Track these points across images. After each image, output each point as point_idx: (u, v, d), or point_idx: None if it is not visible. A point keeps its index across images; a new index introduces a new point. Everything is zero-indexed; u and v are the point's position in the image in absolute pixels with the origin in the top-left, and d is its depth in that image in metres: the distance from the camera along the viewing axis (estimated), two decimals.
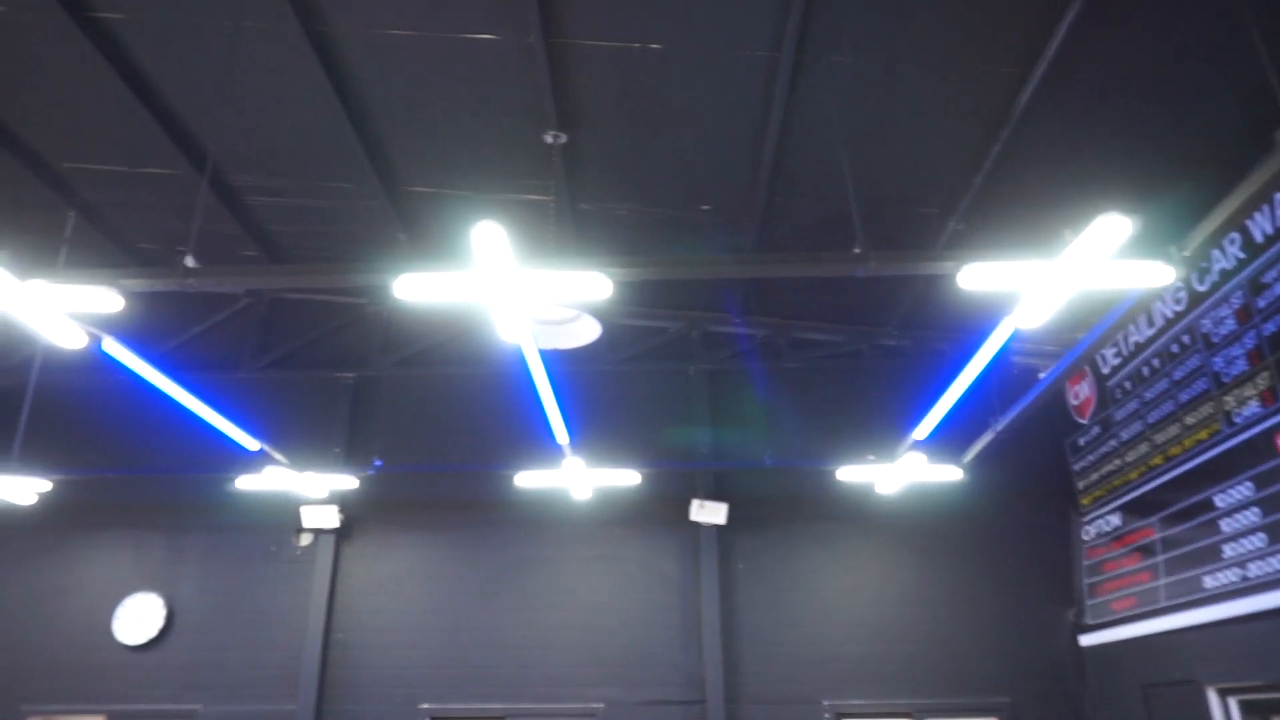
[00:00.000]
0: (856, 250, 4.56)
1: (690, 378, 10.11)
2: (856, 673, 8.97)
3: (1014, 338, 9.37)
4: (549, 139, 6.72)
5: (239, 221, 8.39)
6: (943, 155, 6.81)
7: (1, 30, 6.15)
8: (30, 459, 9.71)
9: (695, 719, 8.81)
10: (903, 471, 8.04)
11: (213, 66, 6.38)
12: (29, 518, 9.98)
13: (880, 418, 9.91)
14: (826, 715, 8.80)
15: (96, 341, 5.69)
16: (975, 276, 4.40)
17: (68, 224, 8.33)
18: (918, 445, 7.84)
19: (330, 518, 9.47)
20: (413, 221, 8.24)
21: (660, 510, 9.60)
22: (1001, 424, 7.46)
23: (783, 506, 9.60)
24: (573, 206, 7.69)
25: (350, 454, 9.96)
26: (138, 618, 9.50)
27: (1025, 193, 7.07)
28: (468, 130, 6.91)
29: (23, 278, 4.77)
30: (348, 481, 8.68)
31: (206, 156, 7.34)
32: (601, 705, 8.93)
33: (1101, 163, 6.67)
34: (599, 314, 6.53)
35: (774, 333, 10.11)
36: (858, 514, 9.55)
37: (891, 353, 10.17)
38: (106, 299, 4.83)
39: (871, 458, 8.34)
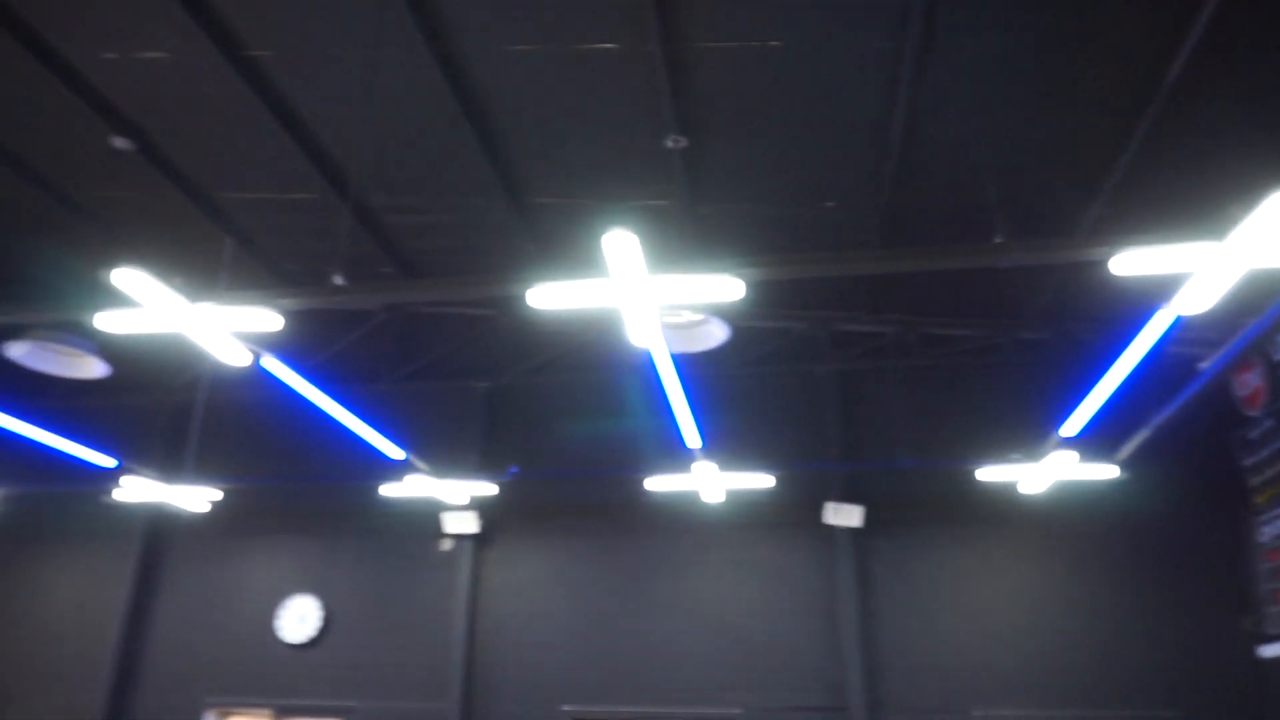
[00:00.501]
0: (998, 240, 4.36)
1: (819, 378, 9.94)
2: (1008, 683, 8.57)
3: (1173, 326, 8.76)
4: (669, 144, 6.75)
5: (376, 240, 8.80)
6: (1084, 137, 6.44)
7: (165, 74, 6.68)
8: (202, 470, 10.49)
9: None
10: (1050, 470, 7.63)
11: (352, 94, 6.73)
12: (201, 524, 10.77)
13: (1021, 414, 9.45)
14: None
15: (257, 358, 6.09)
16: (1131, 262, 4.13)
17: (226, 250, 8.95)
18: (1066, 442, 7.42)
19: (470, 523, 9.80)
20: (540, 232, 8.44)
21: (793, 513, 9.46)
22: (1160, 418, 6.98)
23: (921, 508, 9.29)
24: (693, 210, 7.69)
25: (486, 461, 10.27)
26: (298, 618, 10.09)
27: (1179, 171, 6.60)
28: (590, 140, 7.03)
29: (193, 301, 5.16)
30: (486, 488, 8.95)
31: (347, 181, 7.73)
32: (740, 710, 8.86)
33: (1266, 131, 6.15)
34: (725, 316, 6.50)
35: (904, 329, 9.81)
36: (1001, 515, 9.13)
37: (1031, 346, 9.68)
38: (268, 318, 5.15)
39: (1015, 456, 7.95)
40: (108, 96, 7.01)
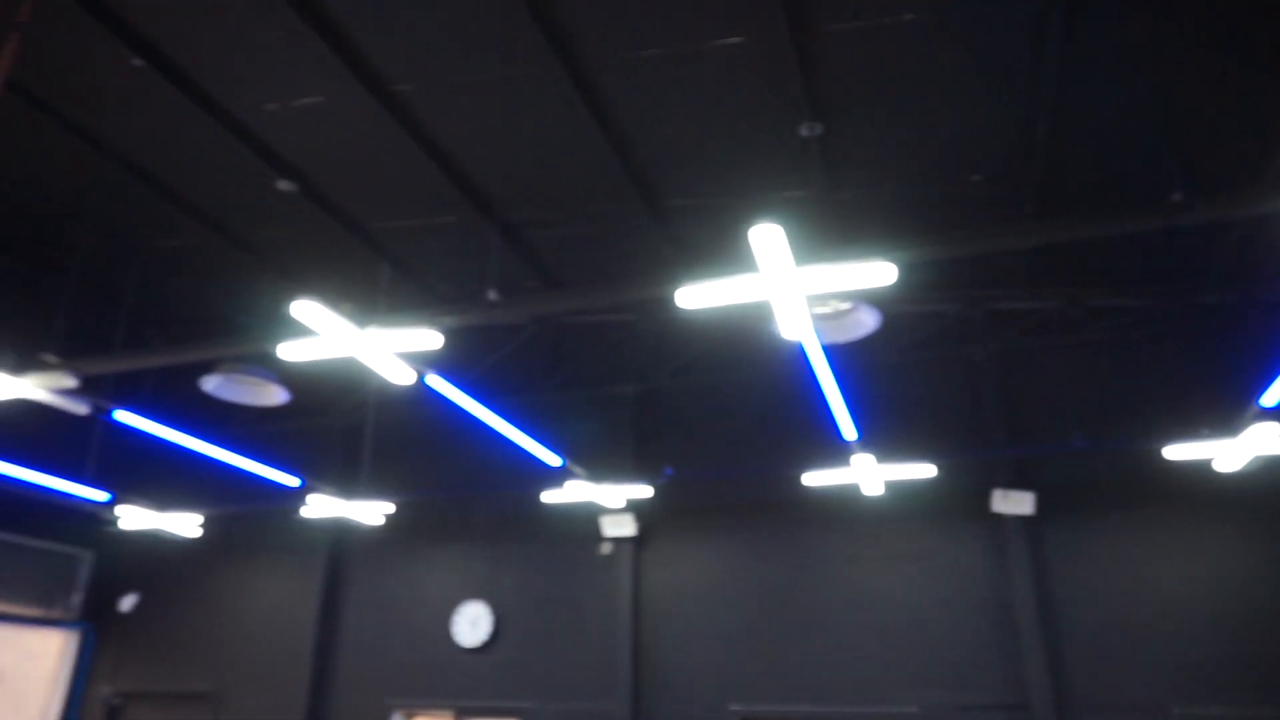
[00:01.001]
0: (1176, 197, 4.03)
1: (977, 361, 9.49)
2: (1211, 677, 7.90)
3: None
4: (804, 132, 6.63)
5: (521, 256, 9.08)
6: (1264, 83, 5.87)
7: (319, 118, 7.13)
8: (376, 485, 11.14)
9: None
10: (1249, 445, 6.98)
11: (489, 116, 6.98)
12: (378, 536, 11.43)
13: (1208, 386, 8.70)
14: None
15: (422, 376, 6.41)
16: None
17: (383, 276, 9.46)
18: (1266, 413, 6.77)
19: (627, 526, 9.94)
20: (678, 234, 8.48)
21: (959, 503, 9.08)
22: None
23: (1100, 492, 8.71)
24: (834, 197, 7.52)
25: (640, 464, 10.40)
26: (470, 623, 10.53)
27: None
28: (723, 136, 7.00)
29: (361, 327, 5.48)
30: (641, 490, 9.06)
31: (491, 201, 8.02)
32: (915, 709, 8.58)
33: None
34: (875, 303, 6.32)
35: (1067, 304, 9.23)
36: (1194, 496, 8.44)
37: (1213, 311, 8.90)
38: (429, 337, 5.41)
39: (1207, 432, 7.33)
40: (271, 144, 7.56)
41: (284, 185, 8.02)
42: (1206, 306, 8.91)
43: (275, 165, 7.77)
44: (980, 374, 9.43)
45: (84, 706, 12.14)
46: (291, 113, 7.13)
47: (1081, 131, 6.61)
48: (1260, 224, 7.52)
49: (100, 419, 11.59)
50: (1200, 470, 8.43)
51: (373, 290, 9.63)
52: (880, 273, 4.51)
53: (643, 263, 9.04)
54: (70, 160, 8.05)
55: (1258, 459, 8.20)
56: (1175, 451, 7.33)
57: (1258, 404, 6.68)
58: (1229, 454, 7.22)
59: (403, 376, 6.10)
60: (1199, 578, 8.21)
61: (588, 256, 9.18)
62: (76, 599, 12.41)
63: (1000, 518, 8.77)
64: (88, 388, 7.19)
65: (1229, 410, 8.47)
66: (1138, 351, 9.07)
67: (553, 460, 8.91)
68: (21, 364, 6.50)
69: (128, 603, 12.49)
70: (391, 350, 5.78)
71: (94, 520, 12.25)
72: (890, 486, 9.22)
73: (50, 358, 6.53)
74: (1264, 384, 6.89)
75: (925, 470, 7.95)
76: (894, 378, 9.75)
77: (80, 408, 7.28)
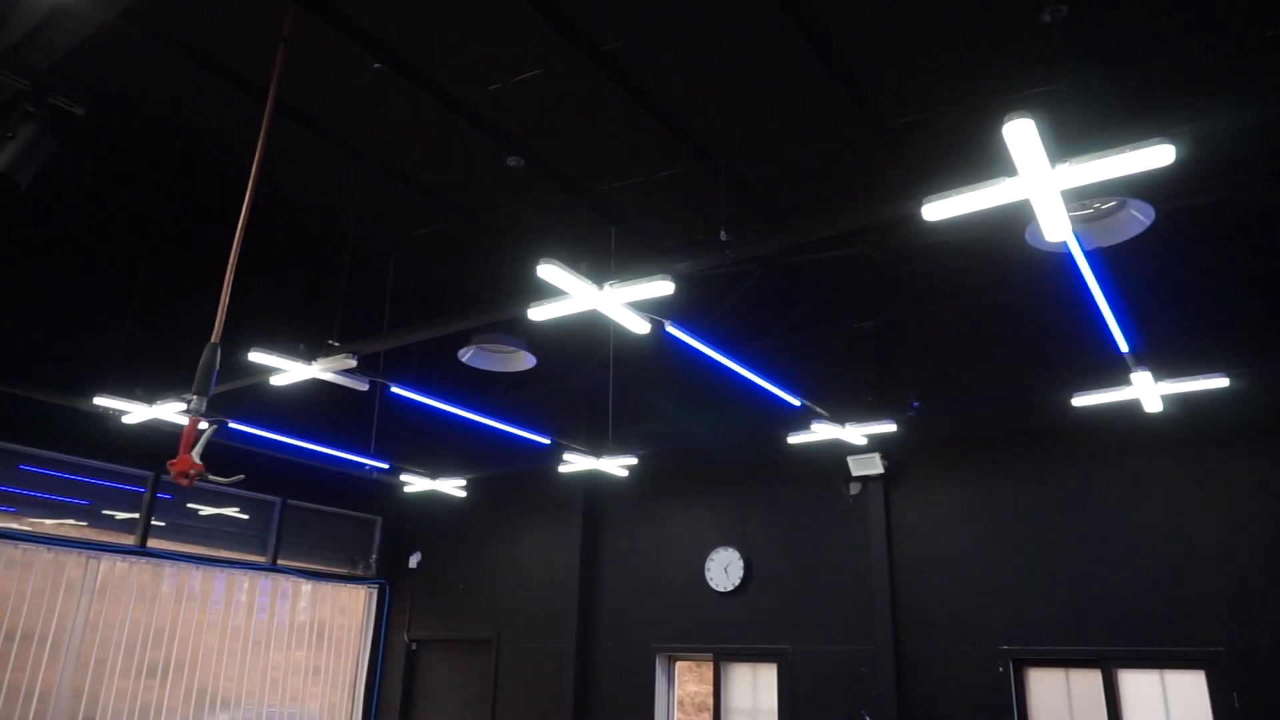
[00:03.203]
0: None
1: (1278, 250, 8.24)
2: None
3: None
4: (1046, 17, 5.99)
5: (746, 201, 8.96)
6: None
7: (539, 90, 7.37)
8: (620, 440, 11.58)
9: None
10: None
11: (699, 59, 6.89)
12: (628, 489, 11.91)
13: None
14: None
15: (661, 326, 6.54)
16: None
17: (612, 239, 9.71)
18: None
19: (875, 465, 9.67)
20: (905, 155, 8.01)
21: (1262, 416, 7.99)
22: None
23: None
24: (1088, 87, 6.75)
25: (884, 400, 10.05)
26: (723, 569, 10.73)
27: None
28: (948, 37, 6.47)
29: (599, 284, 5.65)
30: (886, 427, 8.76)
31: (713, 148, 7.94)
32: (1221, 649, 7.73)
33: None
34: (1147, 198, 5.61)
35: None
36: None
37: None
38: (664, 286, 5.48)
39: None
40: (498, 123, 7.93)
41: (513, 161, 8.41)
42: None
43: (504, 143, 8.15)
44: (1277, 267, 8.20)
45: (388, 651, 13.70)
46: (513, 89, 7.43)
47: None
48: None
49: (378, 396, 12.89)
50: None
51: (604, 254, 9.92)
52: (1157, 155, 4.00)
53: (871, 193, 8.63)
54: (335, 168, 8.90)
55: None
56: None
57: None
58: None
59: (641, 327, 6.24)
60: None
61: (814, 192, 8.90)
62: (373, 559, 13.99)
63: None
64: (365, 369, 8.00)
65: None
66: None
67: (794, 403, 8.81)
68: (311, 351, 7.35)
69: (414, 560, 13.90)
70: (629, 301, 5.92)
71: (381, 488, 13.70)
72: (1178, 403, 8.26)
73: (333, 343, 7.33)
74: None
75: (1216, 382, 7.05)
76: (1172, 282, 8.70)
77: (361, 385, 8.13)
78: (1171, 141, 3.93)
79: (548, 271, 5.33)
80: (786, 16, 6.27)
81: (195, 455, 3.37)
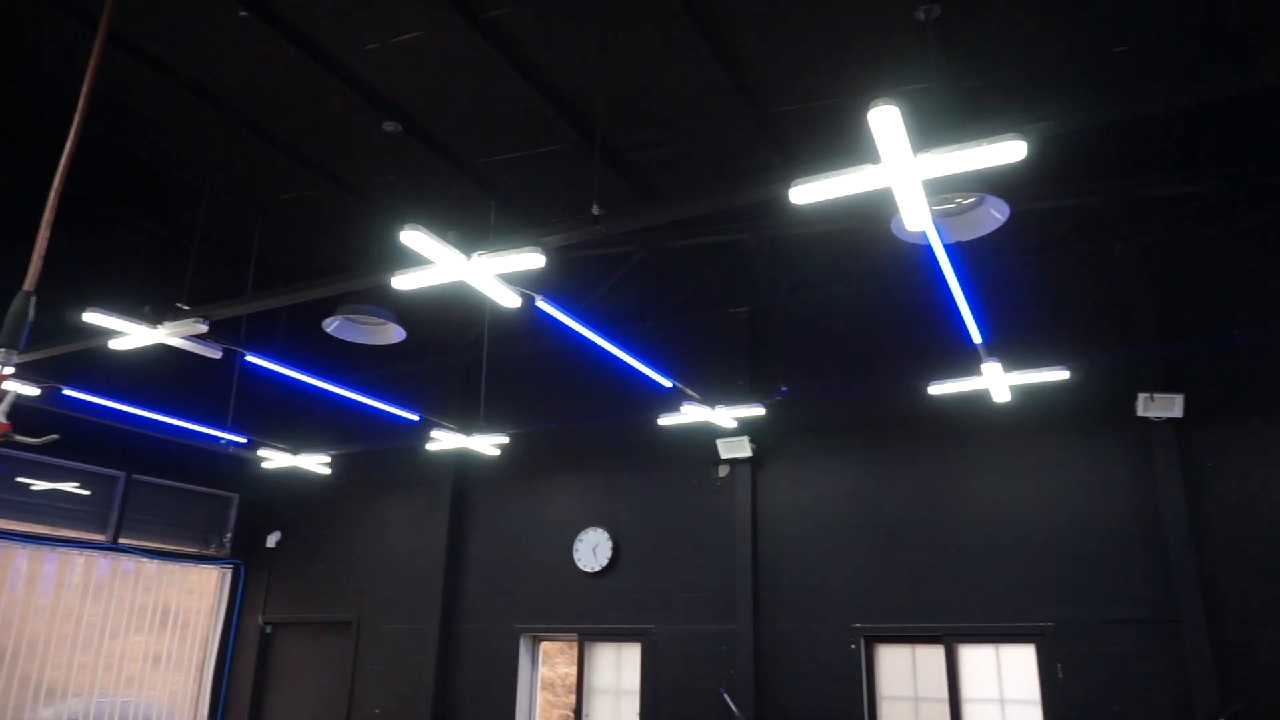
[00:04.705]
0: None
1: (1118, 255, 8.82)
2: None
3: None
4: (920, 16, 6.19)
5: (626, 180, 8.92)
6: None
7: (420, 54, 7.11)
8: (493, 419, 11.39)
9: (1166, 641, 7.79)
10: None
11: (585, 34, 6.79)
12: (499, 468, 11.73)
13: None
14: None
15: (532, 300, 6.42)
16: None
17: (491, 213, 9.50)
18: None
19: (743, 448, 9.85)
20: (784, 143, 8.15)
21: (1097, 409, 8.55)
22: None
23: (1257, 392, 8.05)
24: (958, 86, 7.02)
25: (755, 385, 10.24)
26: (591, 549, 10.73)
27: None
28: (830, 29, 6.61)
29: (468, 254, 5.49)
30: (755, 411, 8.93)
31: (593, 124, 7.85)
32: (1050, 624, 8.27)
33: None
34: (1004, 196, 5.89)
35: (1228, 185, 8.33)
36: None
37: None
38: (535, 258, 5.37)
39: None
40: (375, 85, 7.60)
41: (390, 127, 8.10)
42: None
43: (381, 106, 7.83)
44: (1121, 269, 8.79)
45: (240, 635, 13.09)
46: (392, 50, 7.14)
47: None
48: None
49: (236, 369, 12.23)
50: None
51: (482, 228, 9.70)
52: (1009, 150, 4.18)
53: (749, 179, 8.73)
54: (193, 120, 8.33)
55: None
56: None
57: None
58: None
59: (511, 301, 6.11)
60: None
61: (693, 175, 8.96)
62: (228, 538, 13.31)
63: (1146, 423, 8.23)
64: (221, 337, 7.56)
65: None
66: None
67: (666, 385, 8.86)
68: (157, 314, 6.87)
69: (273, 539, 13.31)
70: (499, 273, 5.78)
71: (239, 463, 13.03)
72: (1023, 394, 8.75)
73: (181, 306, 6.87)
74: None
75: (1058, 374, 7.50)
76: (1024, 278, 9.20)
77: (213, 352, 7.67)
78: (1023, 138, 4.12)
79: (411, 238, 5.14)
80: (679, 2, 6.25)
81: (0, 414, 3.05)
